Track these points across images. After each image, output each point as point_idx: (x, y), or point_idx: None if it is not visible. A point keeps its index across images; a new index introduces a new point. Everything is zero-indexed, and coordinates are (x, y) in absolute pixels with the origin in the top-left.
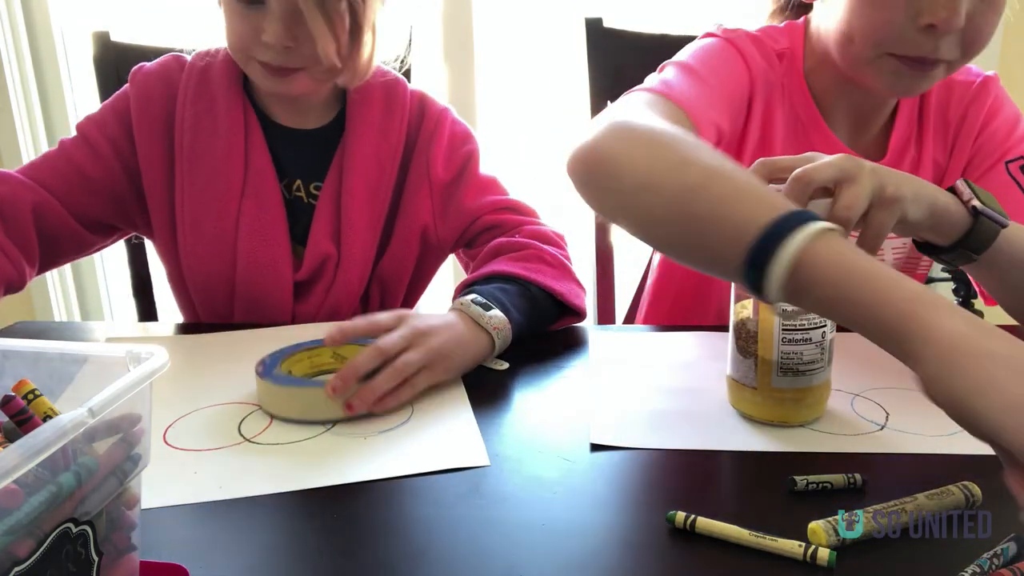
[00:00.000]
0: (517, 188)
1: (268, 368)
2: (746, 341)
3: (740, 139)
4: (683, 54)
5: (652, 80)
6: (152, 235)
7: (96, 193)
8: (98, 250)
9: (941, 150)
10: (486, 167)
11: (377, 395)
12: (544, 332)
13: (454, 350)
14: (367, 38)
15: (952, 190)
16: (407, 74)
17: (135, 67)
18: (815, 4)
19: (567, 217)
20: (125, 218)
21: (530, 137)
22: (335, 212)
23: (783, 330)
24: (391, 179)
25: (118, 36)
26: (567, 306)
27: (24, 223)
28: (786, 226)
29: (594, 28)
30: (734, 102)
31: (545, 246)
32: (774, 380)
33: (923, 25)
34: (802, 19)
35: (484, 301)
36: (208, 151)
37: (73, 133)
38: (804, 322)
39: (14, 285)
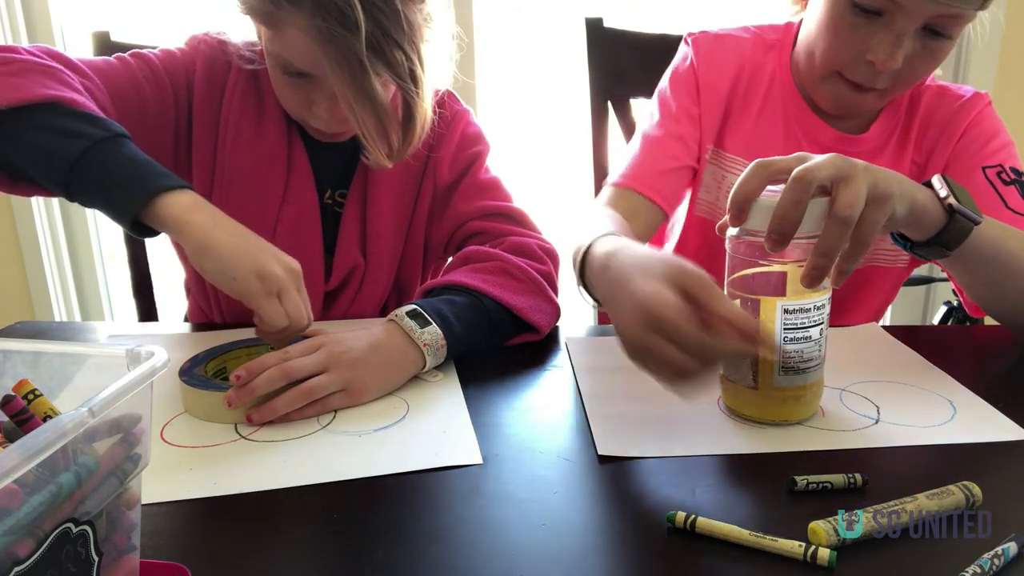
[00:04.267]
0: (515, 188)
1: (194, 364)
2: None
3: (721, 127)
4: (652, 105)
5: (620, 161)
6: None
7: (149, 133)
8: None
9: (921, 152)
10: (494, 169)
11: (277, 414)
12: (501, 345)
13: (373, 377)
14: (419, 124)
15: (928, 185)
16: None
17: (192, 36)
18: (804, 20)
19: (567, 217)
20: None
21: (530, 137)
22: (361, 221)
23: (785, 329)
24: (415, 185)
25: (118, 36)
26: (527, 321)
27: None
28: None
29: (594, 28)
30: (693, 121)
31: (517, 259)
32: (776, 380)
33: (867, 60)
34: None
35: (423, 314)
36: (250, 150)
37: None
38: (804, 320)
39: None
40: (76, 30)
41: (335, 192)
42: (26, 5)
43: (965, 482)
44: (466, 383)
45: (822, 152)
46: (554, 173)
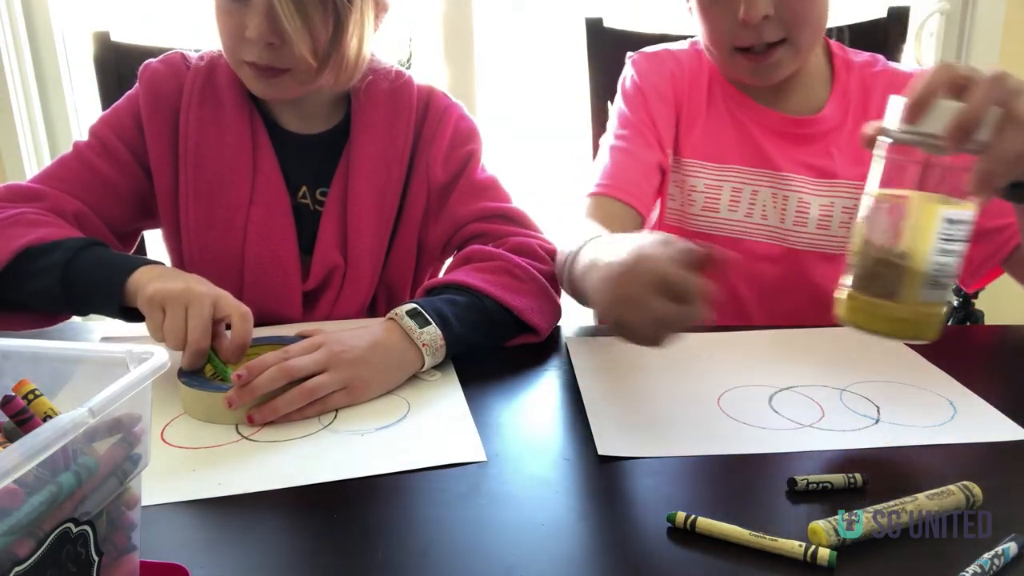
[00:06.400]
0: (516, 188)
1: None
2: (892, 254)
3: (676, 136)
4: (611, 122)
5: (594, 175)
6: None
7: (124, 201)
8: None
9: None
10: (489, 168)
11: (279, 414)
12: (500, 346)
13: (374, 375)
14: (351, 40)
15: None
16: None
17: (143, 65)
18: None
19: (567, 217)
20: (152, 218)
21: (530, 137)
22: (341, 220)
23: (941, 240)
24: (399, 182)
25: (118, 36)
26: (527, 323)
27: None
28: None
29: (594, 28)
30: (656, 126)
31: (519, 258)
32: (921, 294)
33: (740, 21)
34: None
35: (423, 313)
36: (214, 157)
37: (75, 132)
38: (960, 232)
39: None
40: (76, 30)
41: (315, 190)
42: (26, 5)
43: (965, 482)
44: (466, 383)
45: (777, 137)
46: (554, 173)
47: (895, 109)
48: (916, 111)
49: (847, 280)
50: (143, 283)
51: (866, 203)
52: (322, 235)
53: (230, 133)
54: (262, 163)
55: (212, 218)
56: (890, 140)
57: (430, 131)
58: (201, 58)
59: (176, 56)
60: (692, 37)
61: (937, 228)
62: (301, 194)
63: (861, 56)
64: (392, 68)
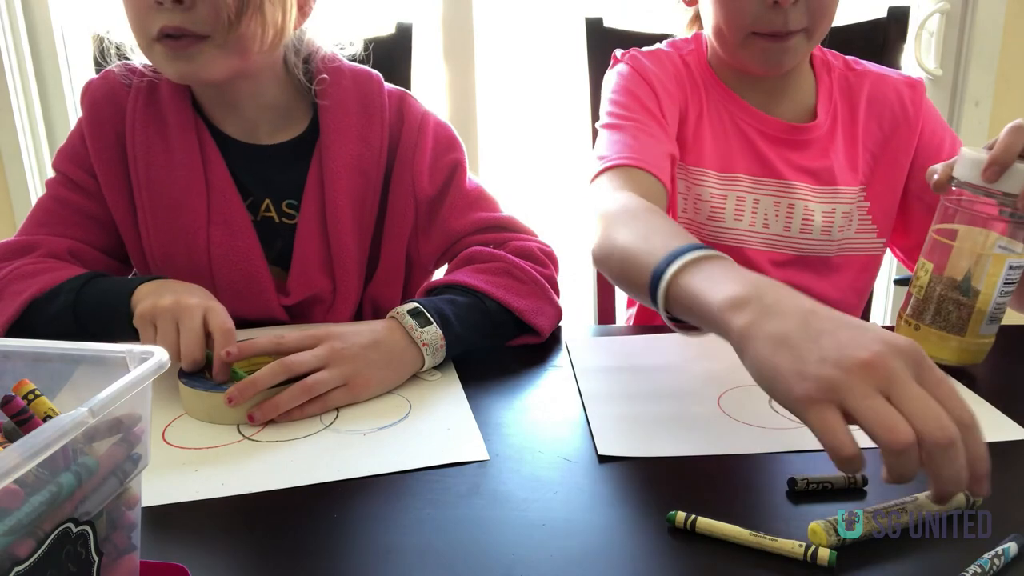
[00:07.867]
0: (517, 188)
1: None
2: (968, 295)
3: (680, 141)
4: (606, 106)
5: (601, 151)
6: None
7: (108, 226)
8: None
9: (874, 140)
10: (474, 175)
11: (280, 411)
12: (501, 346)
13: (375, 373)
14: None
15: None
16: (407, 77)
17: (85, 84)
18: (700, 9)
19: (567, 217)
20: None
21: (530, 137)
22: (322, 235)
23: (1005, 283)
24: (377, 190)
25: (118, 36)
26: (528, 324)
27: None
28: (660, 270)
29: (594, 28)
30: (666, 119)
31: (520, 261)
32: (983, 328)
33: (769, 3)
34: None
35: (424, 313)
36: (166, 179)
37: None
38: (1018, 276)
39: None
40: (76, 30)
41: (280, 203)
42: (26, 5)
43: None
44: (466, 383)
45: (779, 145)
46: (554, 173)
47: (967, 161)
48: (996, 172)
49: (909, 310)
50: (136, 303)
51: (935, 244)
52: (301, 251)
53: (178, 150)
54: (215, 179)
55: (174, 242)
56: (966, 190)
57: (409, 140)
58: (143, 75)
59: (114, 75)
60: (672, 37)
61: (1003, 274)
62: (264, 207)
63: (839, 57)
64: (359, 68)
